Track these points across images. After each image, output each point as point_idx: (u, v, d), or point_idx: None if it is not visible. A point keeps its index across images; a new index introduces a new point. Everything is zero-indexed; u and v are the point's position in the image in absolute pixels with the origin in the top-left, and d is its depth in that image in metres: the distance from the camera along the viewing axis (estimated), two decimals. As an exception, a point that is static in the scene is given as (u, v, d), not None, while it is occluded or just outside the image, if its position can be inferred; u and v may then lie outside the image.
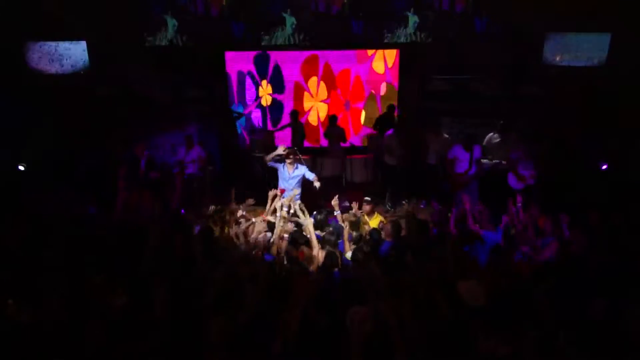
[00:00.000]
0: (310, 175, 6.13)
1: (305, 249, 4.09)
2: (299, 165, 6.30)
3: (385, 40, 9.06)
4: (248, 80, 9.85)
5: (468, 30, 8.90)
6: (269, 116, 10.04)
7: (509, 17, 8.59)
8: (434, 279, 3.13)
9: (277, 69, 9.75)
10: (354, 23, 9.06)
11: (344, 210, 5.64)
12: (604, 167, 7.21)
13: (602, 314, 2.69)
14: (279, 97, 9.92)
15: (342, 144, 8.75)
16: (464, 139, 6.90)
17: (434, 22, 8.87)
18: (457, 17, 8.84)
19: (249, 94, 9.93)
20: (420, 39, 8.91)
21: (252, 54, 9.60)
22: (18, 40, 8.26)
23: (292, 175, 6.22)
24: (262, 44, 9.28)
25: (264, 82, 9.86)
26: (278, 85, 9.86)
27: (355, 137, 9.92)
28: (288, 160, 6.21)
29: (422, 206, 7.74)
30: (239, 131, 9.85)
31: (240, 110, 9.88)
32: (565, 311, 2.75)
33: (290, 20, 9.07)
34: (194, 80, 9.32)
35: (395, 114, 8.92)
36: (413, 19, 8.90)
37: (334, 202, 5.34)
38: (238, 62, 9.71)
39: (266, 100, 9.97)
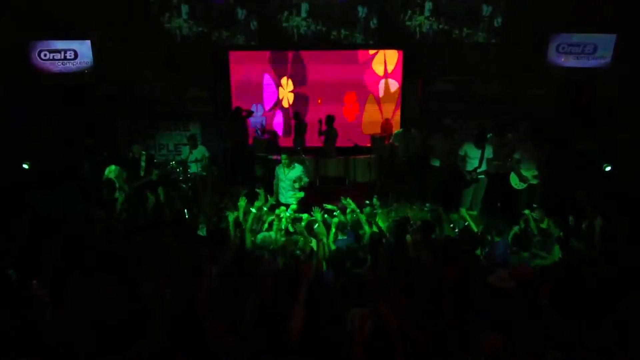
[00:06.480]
0: (302, 181, 6.19)
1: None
2: (296, 166, 6.30)
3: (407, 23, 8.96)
4: (266, 81, 9.55)
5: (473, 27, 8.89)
6: (292, 116, 9.50)
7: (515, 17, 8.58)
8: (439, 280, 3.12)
9: (298, 59, 9.43)
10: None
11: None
12: (608, 168, 7.17)
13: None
14: (301, 90, 9.58)
15: (345, 145, 8.71)
16: (476, 136, 6.72)
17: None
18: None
19: (267, 96, 9.63)
20: (436, 24, 8.90)
21: (266, 54, 9.41)
22: (22, 38, 8.27)
23: (287, 176, 6.25)
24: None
25: (284, 80, 9.57)
26: (300, 77, 9.50)
27: (359, 138, 9.86)
28: (284, 161, 6.22)
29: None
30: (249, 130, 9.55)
31: (256, 110, 9.63)
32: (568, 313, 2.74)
33: (304, 7, 8.98)
34: (197, 80, 9.29)
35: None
36: (428, 6, 8.88)
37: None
38: (252, 63, 9.47)
39: (288, 101, 9.69)
